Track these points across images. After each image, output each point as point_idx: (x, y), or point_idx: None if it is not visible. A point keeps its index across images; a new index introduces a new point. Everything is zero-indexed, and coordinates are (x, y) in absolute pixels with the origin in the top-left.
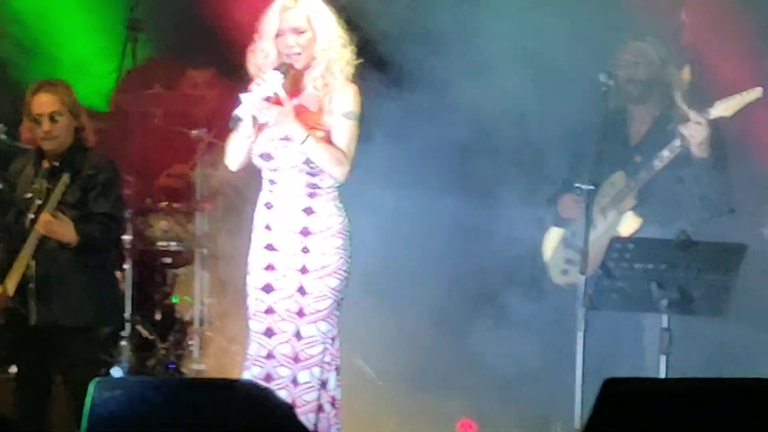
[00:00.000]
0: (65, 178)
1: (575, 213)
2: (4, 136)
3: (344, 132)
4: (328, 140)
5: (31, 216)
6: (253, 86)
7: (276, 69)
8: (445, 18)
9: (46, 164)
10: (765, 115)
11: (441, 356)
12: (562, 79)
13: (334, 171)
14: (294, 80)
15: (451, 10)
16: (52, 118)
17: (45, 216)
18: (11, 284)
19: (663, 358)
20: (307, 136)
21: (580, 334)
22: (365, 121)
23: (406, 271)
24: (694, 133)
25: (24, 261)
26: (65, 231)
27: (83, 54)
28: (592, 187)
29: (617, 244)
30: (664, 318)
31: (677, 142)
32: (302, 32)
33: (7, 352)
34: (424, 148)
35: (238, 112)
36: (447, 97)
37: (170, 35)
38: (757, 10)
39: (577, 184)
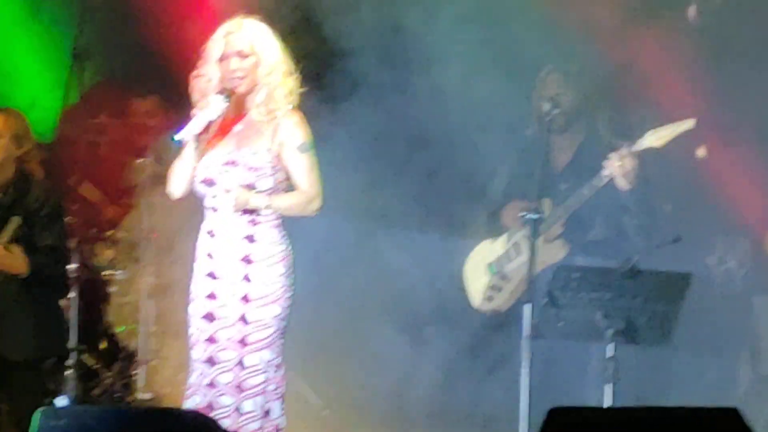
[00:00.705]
0: (17, 219)
1: (518, 222)
2: None
3: (304, 167)
4: (287, 180)
5: None
6: (196, 111)
7: (219, 93)
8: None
9: None
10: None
11: (384, 387)
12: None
13: (307, 211)
14: (237, 105)
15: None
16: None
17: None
18: None
19: (608, 387)
20: (267, 205)
21: (525, 363)
22: None
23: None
24: (619, 166)
25: None
26: (17, 263)
27: (33, 89)
28: (536, 216)
29: (563, 272)
30: (610, 347)
31: (605, 172)
32: (246, 56)
33: None
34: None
35: (179, 135)
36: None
37: (116, 62)
38: (698, 37)
39: (521, 214)
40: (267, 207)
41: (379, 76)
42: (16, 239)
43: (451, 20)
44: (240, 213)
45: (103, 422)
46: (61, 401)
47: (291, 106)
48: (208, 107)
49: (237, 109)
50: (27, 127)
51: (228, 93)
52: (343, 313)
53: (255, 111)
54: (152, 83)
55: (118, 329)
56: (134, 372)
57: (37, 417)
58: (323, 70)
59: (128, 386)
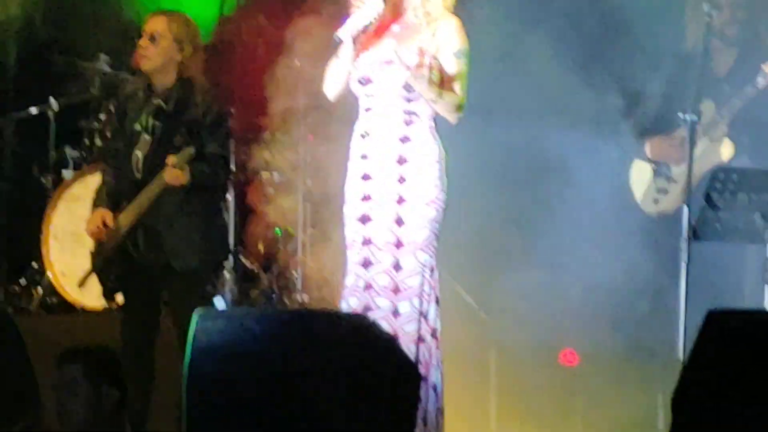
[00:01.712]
0: (191, 150)
1: (664, 155)
2: (107, 68)
3: (457, 73)
4: (442, 81)
5: (143, 152)
6: (353, 11)
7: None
8: None
9: (155, 99)
10: None
11: (542, 288)
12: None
13: (450, 117)
14: (395, 5)
15: None
16: (152, 38)
17: (174, 171)
18: (126, 223)
19: (767, 289)
20: (439, 95)
21: (683, 265)
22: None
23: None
24: None
25: (144, 205)
26: (183, 178)
27: None
28: (695, 118)
29: (721, 174)
30: None
31: (762, 78)
32: None
33: (114, 284)
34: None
35: (339, 33)
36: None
37: None
38: None
39: (679, 113)
40: (437, 95)
41: None
42: (179, 147)
43: None
44: (399, 109)
45: (260, 323)
46: (219, 302)
47: (447, 9)
48: (364, 6)
49: (394, 10)
50: (191, 31)
51: None
52: (505, 214)
53: (412, 13)
54: None
55: (276, 231)
56: (291, 274)
57: (195, 318)
58: None
59: (285, 288)
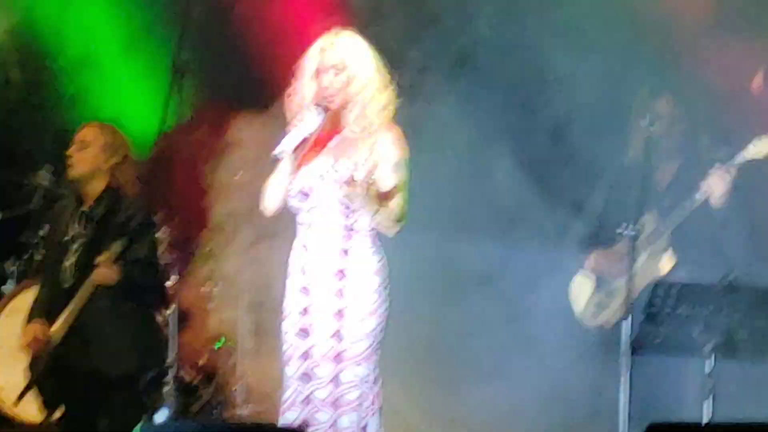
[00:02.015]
0: (122, 242)
1: (605, 269)
2: (46, 181)
3: (396, 187)
4: (378, 195)
5: (71, 260)
6: (291, 126)
7: (318, 105)
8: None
9: (84, 207)
10: None
11: (483, 401)
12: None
13: (389, 229)
14: (333, 119)
15: None
16: (81, 145)
17: (102, 269)
18: (59, 331)
19: (707, 403)
20: (377, 210)
21: (623, 379)
22: None
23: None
24: (716, 185)
25: (75, 311)
26: (110, 275)
27: (126, 100)
28: (634, 232)
29: (660, 288)
30: (708, 362)
31: (700, 193)
32: (339, 72)
33: (52, 396)
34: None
35: (277, 151)
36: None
37: (214, 80)
38: None
39: (618, 231)
40: (375, 210)
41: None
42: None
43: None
44: (338, 222)
45: None
46: (160, 417)
47: (386, 121)
48: (303, 122)
49: (333, 124)
50: (119, 140)
51: (323, 107)
52: (450, 326)
53: (349, 127)
54: (250, 100)
55: (216, 345)
56: (233, 388)
57: None
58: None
59: (226, 402)
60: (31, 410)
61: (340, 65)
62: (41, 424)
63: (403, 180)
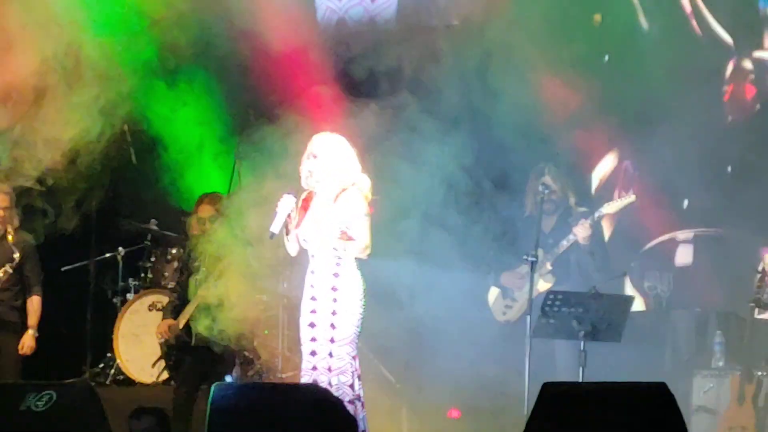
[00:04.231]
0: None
1: (513, 284)
2: (155, 227)
3: (363, 229)
4: (348, 237)
5: (196, 278)
6: (276, 210)
7: (288, 193)
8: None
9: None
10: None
11: (443, 368)
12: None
13: (361, 255)
14: (305, 199)
15: None
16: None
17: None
18: (182, 321)
19: (580, 370)
20: (345, 245)
21: (527, 353)
22: None
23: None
24: (581, 231)
25: (191, 310)
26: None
27: (207, 174)
28: (534, 259)
29: (551, 295)
30: (581, 343)
31: (572, 236)
32: (315, 158)
33: (172, 364)
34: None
35: (271, 229)
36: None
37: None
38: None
39: (524, 257)
40: (346, 246)
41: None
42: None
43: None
44: (331, 255)
45: (257, 392)
46: (228, 378)
47: (354, 188)
48: (282, 206)
49: (306, 199)
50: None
51: (293, 193)
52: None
53: (319, 197)
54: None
55: (264, 332)
56: (275, 360)
57: (213, 389)
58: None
59: (271, 370)
60: (146, 374)
61: (317, 153)
62: (152, 383)
63: (367, 224)
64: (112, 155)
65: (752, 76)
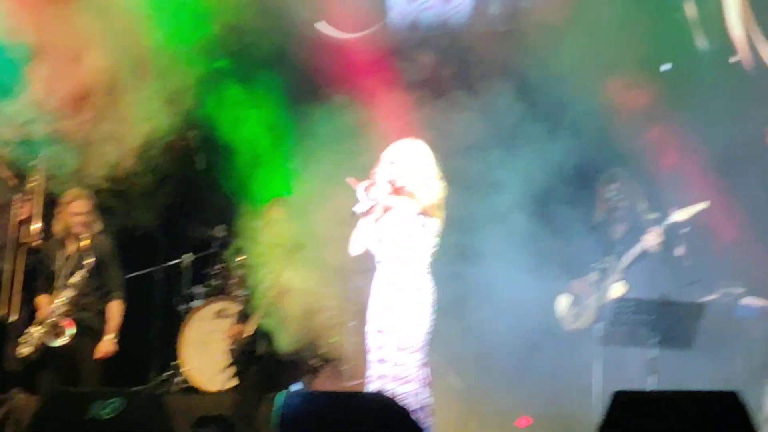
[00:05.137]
0: None
1: (582, 291)
2: (222, 233)
3: (427, 186)
4: (404, 192)
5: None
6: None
7: (383, 185)
8: None
9: None
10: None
11: (512, 376)
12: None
13: (429, 217)
14: (396, 192)
15: None
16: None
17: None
18: (251, 328)
19: (652, 378)
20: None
21: (596, 363)
22: None
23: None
24: (652, 238)
25: (260, 315)
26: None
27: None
28: (606, 266)
29: (622, 303)
30: (653, 351)
31: (643, 243)
32: (401, 164)
33: (240, 370)
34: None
35: (356, 208)
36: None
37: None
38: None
39: (593, 265)
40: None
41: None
42: None
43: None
44: (400, 260)
45: (324, 400)
46: (296, 386)
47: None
48: (373, 192)
49: (396, 194)
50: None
51: (389, 184)
52: (478, 329)
53: (405, 199)
54: None
55: (331, 340)
56: (343, 368)
57: (281, 396)
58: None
59: (338, 377)
60: (211, 383)
61: (401, 161)
62: (217, 392)
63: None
64: (178, 156)
65: None
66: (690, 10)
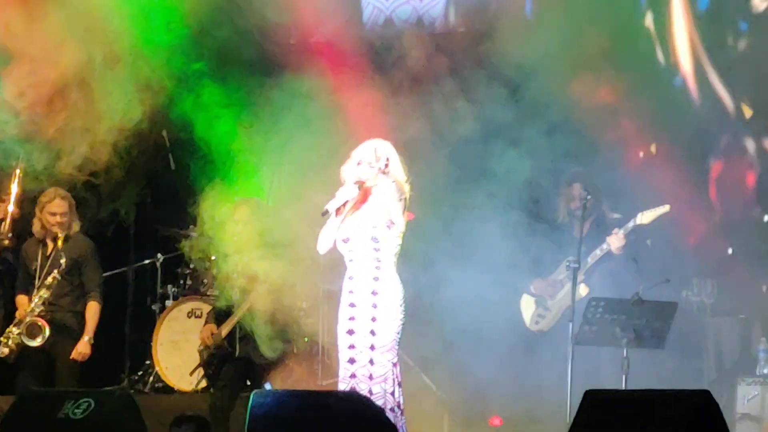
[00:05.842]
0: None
1: (544, 291)
2: (193, 234)
3: (400, 213)
4: (390, 222)
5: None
6: (338, 192)
7: (354, 183)
8: None
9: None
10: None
11: (483, 375)
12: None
13: (397, 241)
14: (364, 191)
15: None
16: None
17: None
18: (225, 331)
19: (623, 377)
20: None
21: (569, 360)
22: None
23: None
24: (615, 241)
25: (234, 321)
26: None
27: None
28: (576, 265)
29: (594, 302)
30: (624, 350)
31: (605, 245)
32: (371, 164)
33: (213, 373)
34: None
35: (325, 208)
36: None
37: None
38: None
39: (566, 263)
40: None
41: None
42: None
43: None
44: (370, 259)
45: (296, 399)
46: (267, 386)
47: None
48: (343, 191)
49: (364, 194)
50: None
51: (359, 184)
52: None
53: (375, 198)
54: None
55: (304, 339)
56: (315, 367)
57: (253, 396)
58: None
59: (310, 377)
60: (184, 382)
61: (372, 161)
62: (191, 391)
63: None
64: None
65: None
66: (648, 22)
